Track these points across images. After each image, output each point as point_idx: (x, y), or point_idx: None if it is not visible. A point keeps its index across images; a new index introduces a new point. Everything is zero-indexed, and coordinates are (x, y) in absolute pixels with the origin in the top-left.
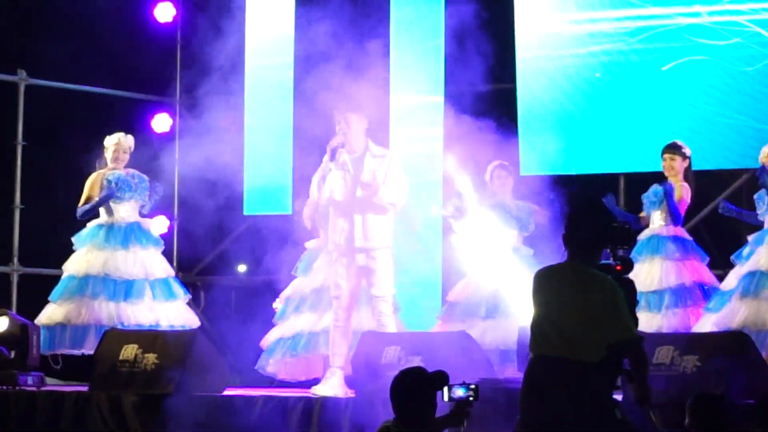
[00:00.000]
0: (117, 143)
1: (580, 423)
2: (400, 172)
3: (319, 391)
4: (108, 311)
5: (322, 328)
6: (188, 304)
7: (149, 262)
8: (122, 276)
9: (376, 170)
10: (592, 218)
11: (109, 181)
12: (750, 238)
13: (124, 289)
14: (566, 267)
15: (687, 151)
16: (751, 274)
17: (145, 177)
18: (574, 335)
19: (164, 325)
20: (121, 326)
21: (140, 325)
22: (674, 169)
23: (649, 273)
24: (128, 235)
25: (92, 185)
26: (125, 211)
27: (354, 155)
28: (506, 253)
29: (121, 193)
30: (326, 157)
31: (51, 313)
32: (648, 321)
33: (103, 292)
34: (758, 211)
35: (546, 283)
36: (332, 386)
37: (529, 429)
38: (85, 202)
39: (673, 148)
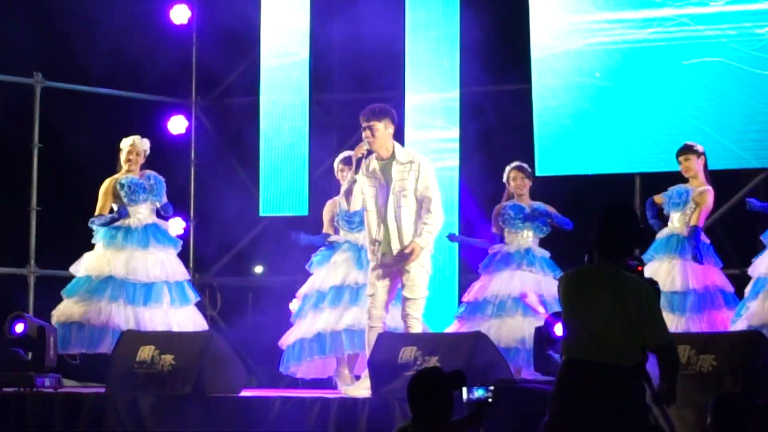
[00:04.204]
0: (132, 146)
1: (615, 428)
2: (432, 179)
3: (353, 392)
4: (126, 315)
5: (345, 326)
6: (205, 305)
7: (169, 264)
8: (142, 279)
9: (406, 179)
10: (624, 220)
11: (122, 185)
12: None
13: (144, 293)
14: (599, 269)
15: (699, 148)
16: None
17: (162, 178)
18: (611, 339)
19: (177, 330)
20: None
21: (155, 329)
22: (692, 170)
23: (669, 273)
24: (146, 236)
25: (105, 192)
26: (141, 212)
27: (383, 162)
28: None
29: (135, 195)
30: (352, 169)
31: (69, 311)
32: (671, 323)
33: (123, 295)
34: None
35: (578, 285)
36: (365, 388)
37: (561, 431)
38: (100, 211)
39: (685, 150)
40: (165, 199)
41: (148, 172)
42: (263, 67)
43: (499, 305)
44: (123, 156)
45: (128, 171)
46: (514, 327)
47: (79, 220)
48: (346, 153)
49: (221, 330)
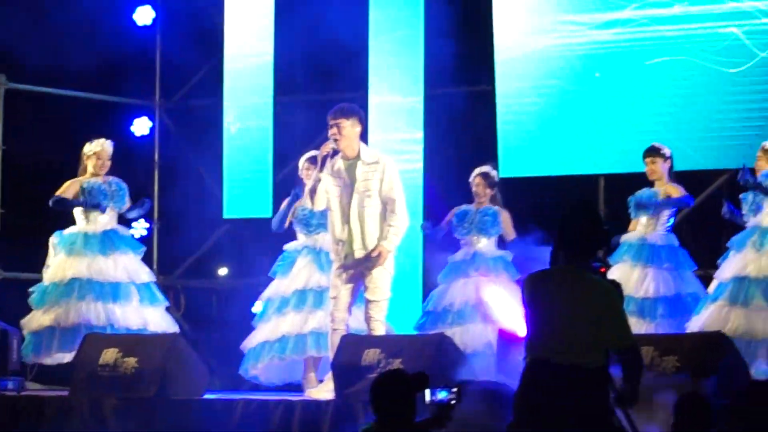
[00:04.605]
0: (99, 152)
1: (578, 429)
2: (396, 181)
3: (316, 394)
4: (96, 311)
5: (310, 329)
6: (168, 308)
7: (132, 267)
8: (107, 279)
9: (370, 179)
10: (588, 221)
11: (83, 189)
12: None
13: (111, 291)
14: (562, 271)
15: (666, 151)
16: (739, 280)
17: (124, 184)
18: (574, 340)
19: (152, 329)
20: (111, 328)
21: (129, 327)
22: (657, 173)
23: (642, 280)
24: (105, 242)
25: (66, 189)
26: (102, 218)
27: (348, 161)
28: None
29: (95, 200)
30: (317, 167)
31: (38, 319)
32: (639, 328)
33: (90, 292)
34: (743, 211)
35: (542, 286)
36: (329, 390)
37: None
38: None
39: (651, 151)
40: (128, 204)
41: (111, 177)
42: (227, 68)
43: (458, 313)
44: (92, 161)
45: (94, 174)
46: (477, 332)
47: (44, 223)
48: (312, 152)
49: (185, 332)
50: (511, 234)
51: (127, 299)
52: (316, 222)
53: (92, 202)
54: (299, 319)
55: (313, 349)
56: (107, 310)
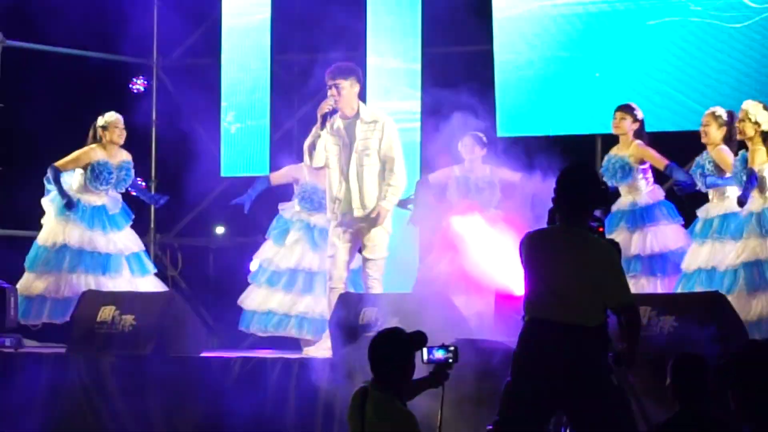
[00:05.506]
0: (115, 120)
1: (578, 388)
2: (395, 140)
3: (314, 353)
4: (87, 284)
5: (296, 313)
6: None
7: (120, 240)
8: (98, 249)
9: (369, 138)
10: (585, 182)
11: (92, 167)
12: (702, 213)
13: (102, 262)
14: (561, 230)
15: (639, 114)
16: (750, 265)
17: (132, 172)
18: (573, 299)
19: None
20: None
21: None
22: (622, 128)
23: (644, 239)
24: (93, 218)
25: (78, 158)
26: (98, 196)
27: (347, 120)
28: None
29: (96, 183)
30: (317, 124)
31: (30, 285)
32: (649, 287)
33: (81, 264)
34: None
35: (540, 245)
36: (326, 349)
37: (524, 391)
38: (64, 166)
39: (624, 108)
40: (124, 188)
41: (125, 159)
42: (225, 27)
43: (445, 284)
44: (109, 132)
45: (111, 143)
46: (459, 305)
47: (41, 181)
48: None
49: (182, 290)
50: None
51: (117, 271)
52: (317, 203)
53: (69, 203)
54: (288, 300)
55: (294, 329)
56: (99, 282)
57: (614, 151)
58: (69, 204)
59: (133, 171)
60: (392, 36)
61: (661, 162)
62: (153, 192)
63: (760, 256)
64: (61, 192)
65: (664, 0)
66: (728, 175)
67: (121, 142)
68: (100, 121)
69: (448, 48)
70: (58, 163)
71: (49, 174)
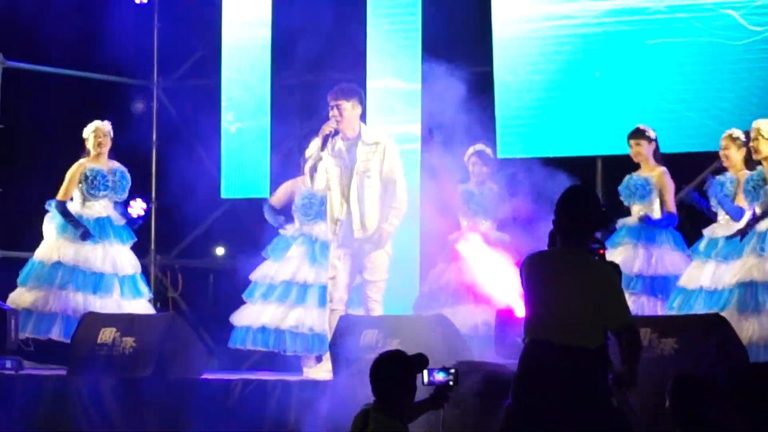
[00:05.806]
0: (95, 131)
1: (578, 410)
2: (397, 162)
3: (315, 375)
4: (76, 302)
5: (288, 326)
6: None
7: (119, 259)
8: (91, 268)
9: (371, 160)
10: (586, 204)
11: (86, 176)
12: (708, 231)
13: (93, 281)
14: (562, 252)
15: (651, 134)
16: (745, 286)
17: (128, 175)
18: (574, 321)
19: None
20: None
21: None
22: (642, 155)
23: (648, 258)
24: (96, 230)
25: (72, 177)
26: (99, 206)
27: (349, 142)
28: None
29: (95, 190)
30: (317, 145)
31: (19, 298)
32: (652, 308)
33: (72, 281)
34: (711, 204)
35: (541, 267)
36: (327, 371)
37: (524, 413)
38: (63, 196)
39: (636, 134)
40: (126, 195)
41: (116, 165)
42: (225, 48)
43: (453, 294)
44: (91, 142)
45: (98, 155)
46: (466, 314)
47: (40, 202)
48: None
49: (182, 312)
50: None
51: (107, 292)
52: (315, 211)
53: (85, 233)
54: (280, 313)
55: (291, 347)
56: (87, 301)
57: (637, 173)
58: (84, 235)
59: (128, 176)
60: (392, 56)
61: (669, 207)
62: (153, 212)
63: (756, 277)
64: (76, 224)
65: (663, 20)
66: (742, 205)
67: (106, 147)
68: (84, 134)
69: (448, 69)
70: (59, 196)
71: (57, 210)
